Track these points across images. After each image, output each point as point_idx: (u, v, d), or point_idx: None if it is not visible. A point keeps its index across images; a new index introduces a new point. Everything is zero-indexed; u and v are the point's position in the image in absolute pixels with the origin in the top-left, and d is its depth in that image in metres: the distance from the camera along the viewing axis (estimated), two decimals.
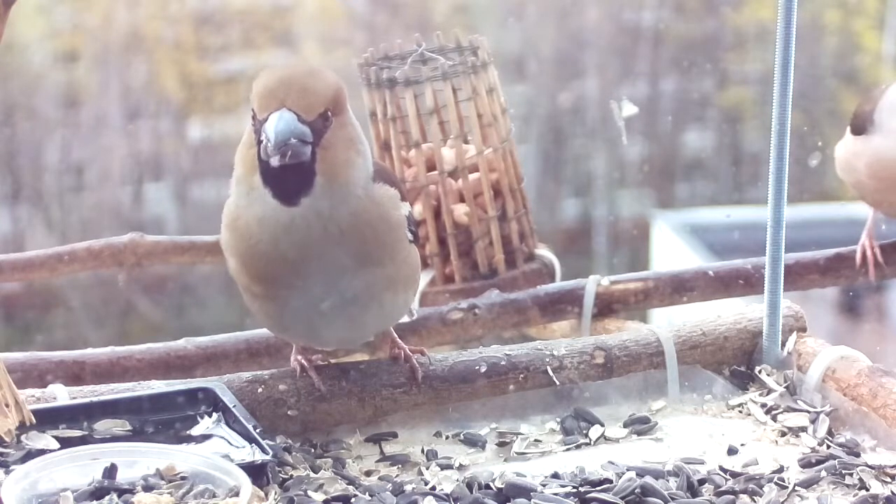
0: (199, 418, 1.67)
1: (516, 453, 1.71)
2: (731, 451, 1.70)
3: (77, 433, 1.62)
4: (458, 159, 2.25)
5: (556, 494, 1.55)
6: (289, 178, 1.58)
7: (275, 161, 1.55)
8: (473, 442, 1.73)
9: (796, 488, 1.59)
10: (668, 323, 1.94)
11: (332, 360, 1.83)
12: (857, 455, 1.67)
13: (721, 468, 1.65)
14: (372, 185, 1.65)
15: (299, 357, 1.76)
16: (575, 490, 1.56)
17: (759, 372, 1.87)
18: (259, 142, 1.57)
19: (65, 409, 1.65)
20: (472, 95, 2.24)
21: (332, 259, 1.62)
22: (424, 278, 2.26)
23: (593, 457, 1.69)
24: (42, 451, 1.55)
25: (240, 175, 1.64)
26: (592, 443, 1.73)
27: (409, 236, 1.71)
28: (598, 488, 1.57)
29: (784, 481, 1.61)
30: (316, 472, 1.62)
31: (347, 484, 1.61)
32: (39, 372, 1.94)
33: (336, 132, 1.60)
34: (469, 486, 1.58)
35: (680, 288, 2.22)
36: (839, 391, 1.77)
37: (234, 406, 1.65)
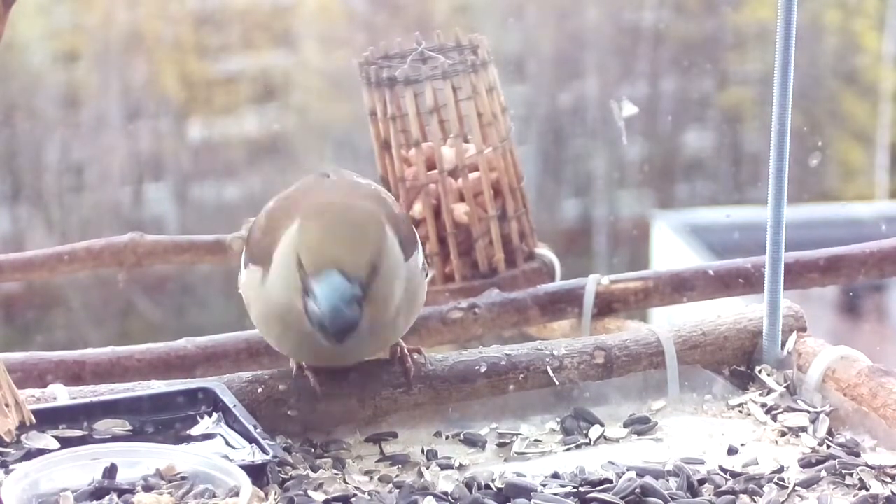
0: (199, 418, 1.66)
1: (516, 453, 1.71)
2: (731, 451, 1.70)
3: (77, 433, 1.62)
4: (458, 158, 2.25)
5: (556, 494, 1.55)
6: (339, 332, 1.54)
7: (326, 330, 1.53)
8: (473, 442, 1.73)
9: (796, 488, 1.59)
10: (668, 323, 1.94)
11: None
12: (857, 455, 1.66)
13: (721, 468, 1.64)
14: (406, 275, 1.64)
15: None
16: (575, 490, 1.56)
17: (759, 372, 1.87)
18: (306, 292, 1.54)
19: (65, 409, 1.65)
20: (472, 94, 2.24)
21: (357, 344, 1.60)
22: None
23: (593, 457, 1.68)
24: (42, 451, 1.54)
25: (271, 312, 1.65)
26: (592, 443, 1.73)
27: (424, 274, 1.71)
28: (598, 488, 1.56)
29: (784, 481, 1.60)
30: (316, 472, 1.62)
31: (347, 484, 1.60)
32: (39, 372, 1.94)
33: (381, 276, 1.57)
34: (469, 486, 1.58)
35: (680, 287, 2.22)
36: (839, 391, 1.77)
37: (234, 406, 1.65)
